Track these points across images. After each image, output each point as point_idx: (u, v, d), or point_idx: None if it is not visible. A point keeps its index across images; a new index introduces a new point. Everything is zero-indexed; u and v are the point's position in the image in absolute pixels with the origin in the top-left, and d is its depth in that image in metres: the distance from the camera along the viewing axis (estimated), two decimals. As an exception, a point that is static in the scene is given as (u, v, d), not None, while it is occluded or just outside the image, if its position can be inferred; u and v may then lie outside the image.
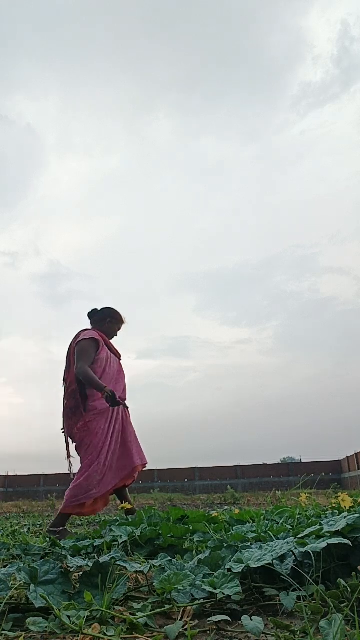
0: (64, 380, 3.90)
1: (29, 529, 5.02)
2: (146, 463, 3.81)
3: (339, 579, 1.17)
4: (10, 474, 27.97)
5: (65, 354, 3.93)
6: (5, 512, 12.79)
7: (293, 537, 1.48)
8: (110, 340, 4.05)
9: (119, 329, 4.11)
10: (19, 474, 28.13)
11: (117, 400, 3.56)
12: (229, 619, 1.11)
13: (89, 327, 4.03)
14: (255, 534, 1.74)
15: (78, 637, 1.01)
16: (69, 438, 3.81)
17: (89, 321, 4.06)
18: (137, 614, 1.14)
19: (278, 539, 1.59)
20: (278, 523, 2.20)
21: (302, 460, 28.14)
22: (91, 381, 3.62)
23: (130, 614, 1.15)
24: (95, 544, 1.95)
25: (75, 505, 3.45)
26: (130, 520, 2.44)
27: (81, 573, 1.45)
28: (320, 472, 25.76)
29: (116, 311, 4.10)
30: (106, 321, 4.02)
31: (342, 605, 1.09)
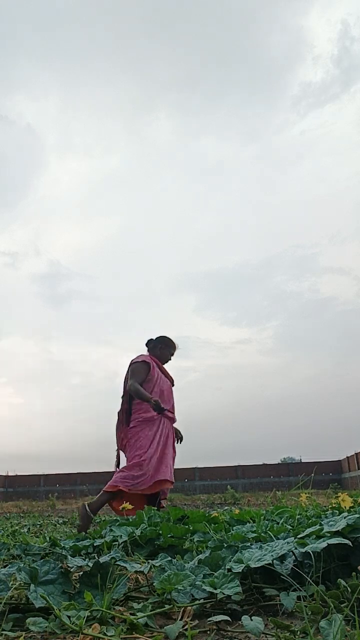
0: (122, 397, 4.44)
1: (29, 529, 5.02)
2: (172, 482, 4.20)
3: (339, 579, 1.17)
4: (10, 474, 27.98)
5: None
6: (5, 512, 12.79)
7: (293, 537, 1.48)
8: (164, 365, 4.59)
9: (172, 354, 4.65)
10: (19, 474, 28.15)
11: (162, 408, 4.03)
12: (229, 619, 1.11)
13: (144, 352, 4.58)
14: (256, 534, 1.74)
15: (78, 637, 1.01)
16: (120, 451, 4.32)
17: (146, 348, 4.62)
18: (137, 614, 1.14)
19: (278, 539, 1.59)
20: (278, 523, 2.20)
21: (302, 460, 28.17)
22: (140, 394, 4.15)
23: (131, 614, 1.15)
24: (95, 544, 1.95)
25: (120, 485, 3.90)
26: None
27: (81, 573, 1.45)
28: (320, 472, 25.78)
29: (168, 338, 4.63)
30: (158, 347, 4.57)
31: (342, 606, 1.09)
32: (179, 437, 4.38)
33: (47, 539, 2.19)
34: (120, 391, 4.42)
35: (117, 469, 4.22)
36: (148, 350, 4.58)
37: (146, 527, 2.08)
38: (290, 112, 54.15)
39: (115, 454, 4.35)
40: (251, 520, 2.34)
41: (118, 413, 4.40)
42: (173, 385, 4.55)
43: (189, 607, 1.19)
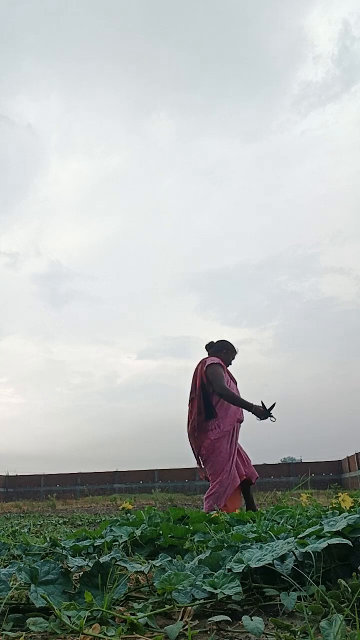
0: (190, 401, 4.45)
1: (29, 529, 5.02)
2: (254, 477, 4.47)
3: (340, 579, 1.17)
4: (10, 474, 27.98)
5: (191, 379, 4.51)
6: (5, 512, 12.80)
7: (293, 537, 1.48)
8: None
9: (233, 359, 4.63)
10: (19, 474, 28.14)
11: (268, 412, 4.06)
12: (229, 619, 1.11)
13: (210, 357, 4.53)
14: (256, 534, 1.74)
15: (78, 637, 1.01)
16: (197, 454, 4.43)
17: (207, 352, 4.63)
18: (137, 614, 1.13)
19: (278, 539, 1.59)
20: (278, 523, 2.20)
21: (303, 461, 28.15)
22: (235, 399, 4.21)
23: (131, 614, 1.15)
24: (95, 544, 1.95)
25: (216, 507, 3.90)
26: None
27: (81, 573, 1.45)
28: (320, 472, 25.78)
29: (230, 343, 4.64)
30: (222, 352, 4.56)
31: (342, 606, 1.09)
32: (268, 414, 4.22)
33: (48, 539, 2.19)
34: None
35: (200, 467, 4.44)
36: (209, 354, 4.57)
37: (146, 527, 2.08)
38: (291, 112, 54.19)
39: (196, 459, 4.47)
40: (251, 520, 2.34)
41: (189, 420, 4.39)
42: (236, 385, 4.56)
43: (189, 607, 1.19)
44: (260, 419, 4.12)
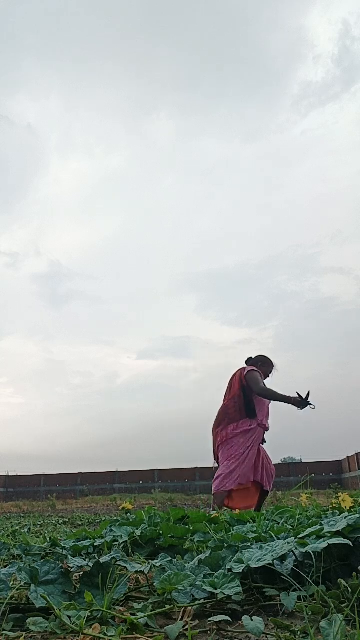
0: (224, 400, 4.84)
1: (29, 529, 5.01)
2: (268, 489, 4.69)
3: (340, 579, 1.17)
4: (10, 474, 27.97)
5: (227, 385, 4.91)
6: (5, 512, 12.80)
7: (293, 537, 1.48)
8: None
9: (270, 373, 4.97)
10: (19, 474, 28.13)
11: (306, 402, 4.36)
12: (229, 619, 1.11)
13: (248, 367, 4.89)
14: (256, 534, 1.74)
15: (79, 637, 1.01)
16: (215, 446, 4.74)
17: (245, 366, 4.93)
18: (137, 614, 1.13)
19: (278, 539, 1.59)
20: (279, 523, 2.20)
21: (303, 461, 28.13)
22: (275, 396, 4.59)
23: (131, 614, 1.15)
24: (95, 544, 1.95)
25: (219, 490, 4.43)
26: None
27: (82, 573, 1.45)
28: (320, 472, 25.75)
29: (266, 357, 5.00)
30: (257, 365, 4.90)
31: (342, 606, 1.09)
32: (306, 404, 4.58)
33: (48, 539, 2.19)
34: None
35: (215, 466, 4.73)
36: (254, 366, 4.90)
37: (146, 527, 2.08)
38: (291, 112, 54.13)
39: (213, 450, 4.77)
40: (251, 521, 2.34)
41: (220, 413, 4.75)
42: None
43: (190, 607, 1.19)
44: (301, 409, 4.43)
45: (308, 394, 4.40)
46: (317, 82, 52.37)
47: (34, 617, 1.12)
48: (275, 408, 4.87)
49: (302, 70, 53.67)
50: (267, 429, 4.77)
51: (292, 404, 4.44)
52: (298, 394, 4.42)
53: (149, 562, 1.51)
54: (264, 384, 4.70)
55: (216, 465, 4.72)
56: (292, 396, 4.46)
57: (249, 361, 4.99)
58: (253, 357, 5.01)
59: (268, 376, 4.94)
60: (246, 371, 4.77)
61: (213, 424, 4.79)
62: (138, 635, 1.03)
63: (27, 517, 9.41)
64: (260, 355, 5.01)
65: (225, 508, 4.37)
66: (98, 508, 14.20)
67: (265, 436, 4.81)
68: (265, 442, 4.81)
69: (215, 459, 4.77)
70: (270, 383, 5.00)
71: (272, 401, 4.77)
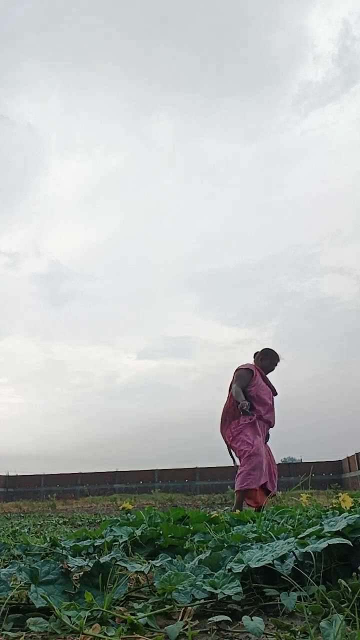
0: (227, 398, 4.92)
1: (29, 529, 5.01)
2: (273, 491, 4.70)
3: (340, 579, 1.17)
4: (10, 474, 27.97)
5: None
6: (5, 512, 12.80)
7: (294, 538, 1.48)
8: (268, 375, 5.02)
9: (275, 364, 5.08)
10: (19, 474, 28.13)
11: (246, 410, 4.54)
12: (229, 619, 1.11)
13: (250, 362, 5.05)
14: (256, 534, 1.74)
15: (79, 637, 1.01)
16: (231, 449, 4.83)
17: (253, 359, 5.09)
18: (137, 614, 1.13)
19: (278, 539, 1.59)
20: (279, 523, 2.20)
21: (303, 461, 28.13)
22: (237, 396, 4.71)
23: (131, 614, 1.15)
24: (95, 544, 1.95)
25: (243, 488, 4.45)
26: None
27: (82, 573, 1.45)
28: (320, 472, 25.76)
29: (271, 350, 5.08)
30: (259, 359, 5.04)
31: (342, 606, 1.09)
32: (246, 412, 4.68)
33: (48, 539, 2.19)
34: (225, 393, 4.98)
35: (235, 465, 4.79)
36: (255, 362, 5.06)
37: (146, 528, 2.08)
38: (291, 112, 54.07)
39: (228, 450, 4.86)
40: (252, 521, 2.34)
41: (223, 413, 4.87)
42: (275, 394, 4.99)
43: (190, 607, 1.19)
44: (242, 414, 4.63)
45: (246, 411, 4.59)
46: (317, 82, 52.32)
47: (34, 617, 1.12)
48: (274, 407, 4.89)
49: (302, 70, 53.63)
50: (271, 425, 4.83)
51: (241, 407, 4.60)
52: (246, 404, 4.60)
53: (149, 562, 1.52)
54: (255, 383, 4.79)
55: (236, 462, 4.76)
56: (243, 402, 4.62)
57: (255, 355, 5.10)
58: (260, 350, 5.11)
59: (272, 369, 5.03)
60: (237, 369, 4.91)
61: (220, 426, 4.89)
62: (138, 635, 1.03)
63: (27, 517, 9.41)
64: (265, 349, 5.10)
65: (249, 504, 4.45)
66: (98, 508, 14.20)
67: (269, 432, 4.87)
68: (269, 438, 4.86)
69: (232, 457, 4.83)
70: (275, 375, 5.05)
71: (274, 396, 4.91)
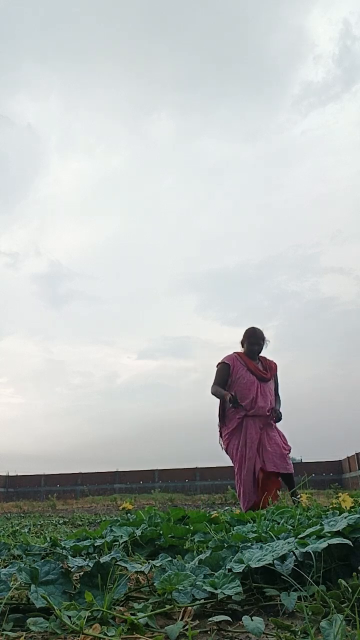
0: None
1: (29, 529, 5.02)
2: (280, 471, 4.21)
3: (340, 579, 1.17)
4: (10, 474, 27.97)
5: None
6: (5, 512, 12.80)
7: (294, 537, 1.48)
8: (255, 358, 4.46)
9: (255, 345, 4.44)
10: (19, 474, 28.13)
11: (237, 401, 4.08)
12: (229, 619, 1.11)
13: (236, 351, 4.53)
14: (256, 534, 1.74)
15: (79, 637, 1.01)
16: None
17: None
18: (137, 614, 1.14)
19: (279, 539, 1.59)
20: (279, 523, 2.20)
21: (303, 461, 28.13)
22: (216, 394, 4.30)
23: (131, 614, 1.15)
24: (96, 544, 1.95)
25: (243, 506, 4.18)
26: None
27: (82, 573, 1.45)
28: (320, 472, 25.75)
29: (248, 330, 4.48)
30: (244, 343, 4.49)
31: (342, 606, 1.09)
32: (236, 402, 4.17)
33: (48, 539, 2.19)
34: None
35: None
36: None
37: (147, 528, 2.08)
38: (291, 112, 54.03)
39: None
40: (252, 520, 2.34)
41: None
42: (264, 379, 4.38)
43: (190, 607, 1.19)
44: (233, 406, 4.17)
45: (238, 402, 4.16)
46: (318, 82, 52.28)
47: (34, 617, 1.12)
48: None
49: (302, 70, 53.60)
50: (266, 413, 4.27)
51: (227, 401, 4.16)
52: (234, 396, 4.15)
53: (149, 562, 1.51)
54: (237, 375, 4.34)
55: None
56: (227, 394, 4.16)
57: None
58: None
59: (254, 350, 4.43)
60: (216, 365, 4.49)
61: None
62: (138, 635, 1.03)
63: (27, 517, 9.41)
64: (246, 330, 4.52)
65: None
66: (98, 508, 14.20)
67: (278, 413, 4.34)
68: (276, 421, 4.32)
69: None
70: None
71: (261, 382, 4.38)
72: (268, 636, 1.01)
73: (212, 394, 4.32)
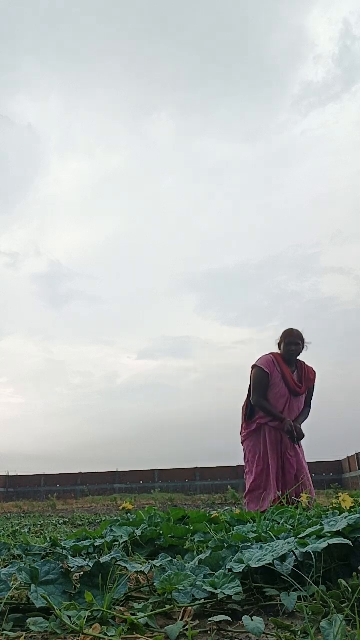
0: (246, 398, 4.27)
1: (29, 529, 5.02)
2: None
3: (340, 579, 1.17)
4: (10, 474, 27.98)
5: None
6: (6, 512, 12.81)
7: (294, 537, 1.48)
8: (292, 362, 4.12)
9: (296, 346, 4.08)
10: (19, 474, 28.14)
11: (294, 438, 3.87)
12: (229, 619, 1.11)
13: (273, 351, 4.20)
14: (256, 534, 1.74)
15: (79, 637, 1.01)
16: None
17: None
18: (137, 614, 1.14)
19: (279, 539, 1.59)
20: (279, 523, 2.20)
21: (303, 461, 28.12)
22: (269, 413, 3.99)
23: (131, 614, 1.15)
24: (96, 544, 1.95)
25: (251, 505, 3.92)
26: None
27: (82, 573, 1.45)
28: (321, 472, 25.76)
29: (286, 331, 4.15)
30: (281, 345, 4.15)
31: (342, 606, 1.09)
32: (293, 436, 3.93)
33: (48, 539, 2.19)
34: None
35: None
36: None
37: (147, 528, 2.08)
38: (291, 112, 54.01)
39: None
40: (252, 520, 2.34)
41: (242, 408, 4.27)
42: (297, 394, 4.06)
43: (190, 607, 1.19)
44: (290, 441, 3.96)
45: (294, 436, 3.93)
46: (318, 82, 52.26)
47: (34, 617, 1.12)
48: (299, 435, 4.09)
49: (302, 70, 53.59)
50: (286, 432, 3.95)
51: (284, 428, 3.90)
52: (289, 423, 3.91)
53: (149, 562, 1.51)
54: (274, 382, 4.00)
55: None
56: (287, 419, 3.91)
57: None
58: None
59: (291, 355, 4.06)
60: (253, 365, 4.14)
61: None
62: (138, 635, 1.03)
63: (27, 517, 9.42)
64: (284, 331, 4.17)
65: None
66: (98, 508, 14.21)
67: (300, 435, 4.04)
68: (295, 442, 4.01)
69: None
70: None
71: (292, 396, 4.03)
72: (268, 636, 1.01)
73: (259, 407, 4.01)
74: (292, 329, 4.14)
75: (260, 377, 4.04)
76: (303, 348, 4.16)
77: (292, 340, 4.09)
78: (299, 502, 3.38)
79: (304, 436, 4.07)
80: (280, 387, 4.05)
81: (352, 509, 2.02)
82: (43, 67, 48.71)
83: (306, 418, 4.23)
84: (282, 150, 55.63)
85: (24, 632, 1.08)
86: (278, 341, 4.19)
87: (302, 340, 4.14)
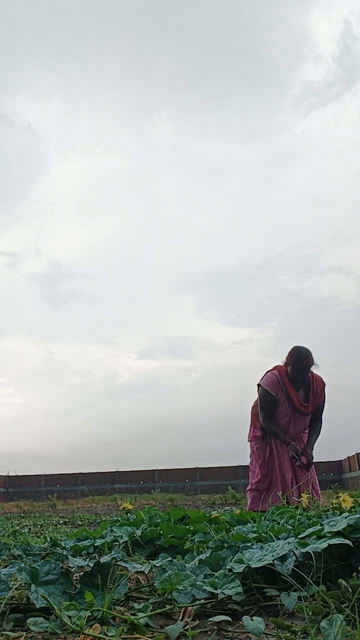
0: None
1: (29, 529, 5.02)
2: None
3: (340, 580, 1.17)
4: (11, 474, 27.98)
5: None
6: (6, 512, 12.81)
7: (294, 538, 1.48)
8: (298, 384, 3.95)
9: (304, 374, 3.88)
10: (19, 474, 28.14)
11: (295, 456, 3.87)
12: (229, 619, 1.11)
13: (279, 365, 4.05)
14: (256, 534, 1.74)
15: (79, 637, 1.01)
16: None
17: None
18: (138, 614, 1.14)
19: (279, 539, 1.59)
20: (279, 523, 2.20)
21: (303, 461, 28.11)
22: (276, 436, 3.99)
23: (131, 614, 1.15)
24: (96, 544, 1.95)
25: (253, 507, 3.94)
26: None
27: (82, 573, 1.45)
28: (321, 472, 25.74)
29: (295, 355, 3.89)
30: (288, 367, 3.93)
31: (343, 606, 1.09)
32: (299, 459, 3.88)
33: (48, 539, 2.19)
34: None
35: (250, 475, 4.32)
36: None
37: (147, 528, 2.08)
38: (291, 112, 53.99)
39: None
40: (252, 521, 2.34)
41: (251, 412, 4.28)
42: (302, 414, 3.96)
43: (190, 608, 1.19)
44: (297, 465, 3.95)
45: (301, 462, 3.91)
46: (318, 82, 52.23)
47: (34, 617, 1.12)
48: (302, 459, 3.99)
49: (302, 70, 53.58)
50: (292, 456, 3.90)
51: (289, 451, 3.89)
52: (294, 447, 3.88)
53: (149, 562, 1.51)
54: (279, 403, 3.94)
55: None
56: (292, 443, 3.88)
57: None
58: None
59: (298, 379, 3.90)
60: (259, 384, 4.08)
61: None
62: (138, 635, 1.03)
63: (27, 517, 9.42)
64: (291, 349, 3.96)
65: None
66: (98, 508, 14.21)
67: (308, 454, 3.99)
68: (297, 462, 3.94)
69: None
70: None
71: (301, 414, 3.97)
72: (268, 636, 1.01)
73: (266, 427, 3.98)
74: (300, 352, 3.90)
75: (266, 399, 3.97)
76: (312, 369, 3.99)
77: (300, 369, 3.88)
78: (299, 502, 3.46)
79: (312, 463, 3.99)
80: (284, 407, 3.97)
81: (352, 509, 2.02)
82: (43, 67, 48.71)
83: (318, 436, 4.13)
84: (282, 150, 55.62)
85: (24, 632, 1.08)
86: (285, 362, 3.99)
87: (311, 365, 3.93)
